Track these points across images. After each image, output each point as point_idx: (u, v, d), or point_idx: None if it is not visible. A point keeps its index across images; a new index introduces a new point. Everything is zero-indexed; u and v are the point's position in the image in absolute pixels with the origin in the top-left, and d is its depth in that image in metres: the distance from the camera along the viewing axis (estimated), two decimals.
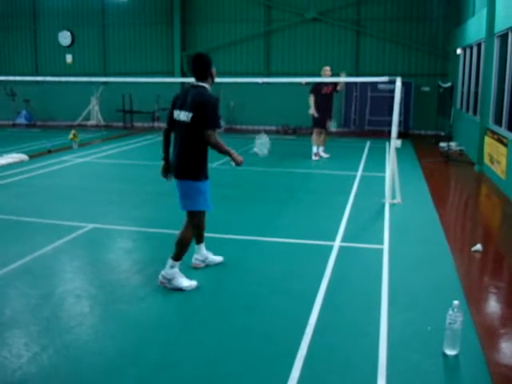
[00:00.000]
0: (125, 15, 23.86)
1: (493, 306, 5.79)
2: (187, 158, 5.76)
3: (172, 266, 5.86)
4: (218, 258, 6.69)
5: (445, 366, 4.36)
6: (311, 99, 14.61)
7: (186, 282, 5.87)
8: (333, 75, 14.70)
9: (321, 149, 15.03)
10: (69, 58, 24.77)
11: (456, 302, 4.44)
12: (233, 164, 6.02)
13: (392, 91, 9.71)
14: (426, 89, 21.39)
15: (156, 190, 10.59)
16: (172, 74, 23.31)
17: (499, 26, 12.32)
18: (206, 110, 5.59)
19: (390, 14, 21.63)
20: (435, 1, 21.08)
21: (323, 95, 14.49)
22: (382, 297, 5.58)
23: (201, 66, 5.86)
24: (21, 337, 4.73)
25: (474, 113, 15.36)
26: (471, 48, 16.19)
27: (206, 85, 5.89)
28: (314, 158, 14.67)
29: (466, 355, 4.45)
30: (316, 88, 14.49)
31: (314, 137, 14.83)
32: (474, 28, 15.45)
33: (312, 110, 14.60)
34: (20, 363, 4.27)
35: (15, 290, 5.81)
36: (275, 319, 5.12)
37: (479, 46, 14.82)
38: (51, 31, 24.64)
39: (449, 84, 16.80)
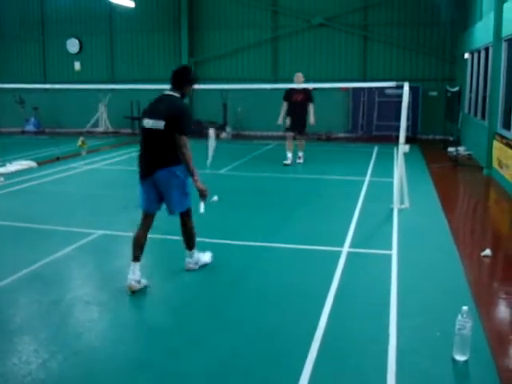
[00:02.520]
0: (132, 22, 23.95)
1: (502, 311, 5.76)
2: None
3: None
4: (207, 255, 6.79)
5: (454, 372, 4.34)
6: (283, 107, 14.68)
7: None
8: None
9: (300, 153, 15.00)
10: (77, 66, 24.89)
11: (465, 308, 4.42)
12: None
13: (400, 96, 9.70)
14: (434, 93, 21.34)
15: None
16: None
17: (507, 30, 12.30)
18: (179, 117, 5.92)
19: (397, 19, 21.62)
20: (442, 6, 21.06)
21: (294, 103, 14.48)
22: (391, 302, 5.56)
23: (179, 77, 6.14)
24: (30, 343, 4.75)
25: (483, 117, 15.31)
26: (479, 52, 16.16)
27: (177, 94, 6.11)
28: (284, 161, 14.59)
29: (475, 361, 4.42)
30: (286, 96, 14.56)
31: (287, 142, 14.89)
32: (482, 32, 15.42)
33: (280, 119, 14.74)
34: (29, 369, 4.28)
35: (25, 297, 5.84)
36: (285, 324, 5.12)
37: (487, 50, 14.79)
38: (59, 39, 24.77)
39: (456, 88, 16.78)
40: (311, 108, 14.57)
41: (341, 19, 22.13)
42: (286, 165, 14.38)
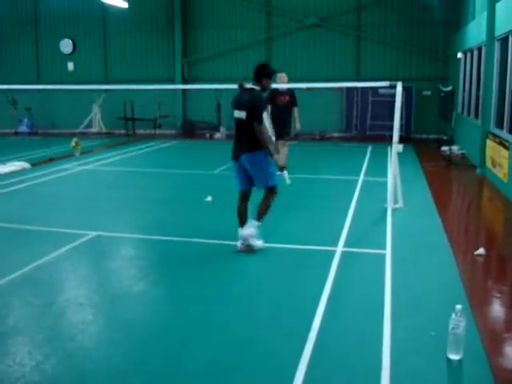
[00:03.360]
0: (126, 23, 23.95)
1: (496, 310, 5.77)
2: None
3: (251, 225, 7.16)
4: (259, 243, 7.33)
5: (448, 371, 4.35)
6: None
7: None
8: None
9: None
10: (70, 66, 24.87)
11: (459, 307, 4.43)
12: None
13: (393, 96, 9.71)
14: (427, 93, 21.41)
15: (159, 197, 10.62)
16: (173, 81, 23.37)
17: (499, 30, 12.33)
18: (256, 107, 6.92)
19: (390, 19, 21.68)
20: (435, 5, 21.12)
21: (279, 107, 12.67)
22: (385, 302, 5.56)
23: (257, 72, 7.17)
24: (24, 345, 4.73)
25: (476, 116, 15.35)
26: (472, 52, 16.20)
27: (257, 87, 7.13)
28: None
29: (469, 360, 4.43)
30: (270, 98, 12.35)
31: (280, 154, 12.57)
32: (475, 32, 15.46)
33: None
34: (23, 372, 4.26)
35: (18, 299, 5.82)
36: (278, 325, 5.11)
37: (480, 49, 14.83)
38: (53, 39, 24.76)
39: (450, 88, 16.82)
40: (296, 111, 12.98)
41: (334, 19, 22.17)
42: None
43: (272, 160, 7.09)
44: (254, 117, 6.84)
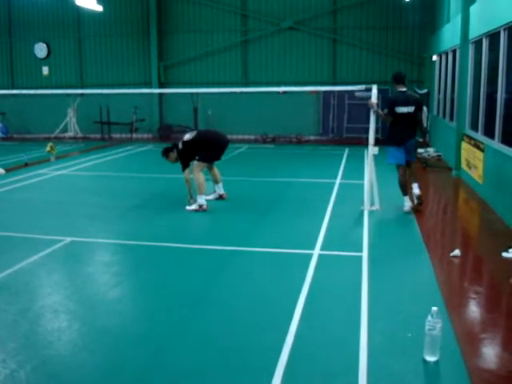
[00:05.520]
0: (101, 27, 23.82)
1: (472, 311, 5.80)
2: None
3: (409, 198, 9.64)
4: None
5: (425, 373, 4.36)
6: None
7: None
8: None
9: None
10: (45, 70, 24.65)
11: (435, 309, 4.44)
12: None
13: (369, 99, 9.76)
14: None
15: (134, 202, 10.55)
16: (150, 85, 23.29)
17: (473, 33, 12.45)
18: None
19: (365, 23, 21.82)
20: (410, 9, 21.27)
21: None
22: (362, 304, 5.56)
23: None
24: None
25: (451, 119, 15.48)
26: (446, 54, 16.35)
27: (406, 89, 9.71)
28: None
29: (446, 361, 4.45)
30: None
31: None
32: (449, 35, 15.60)
33: None
34: None
35: None
36: (255, 329, 5.09)
37: (454, 52, 14.97)
38: (27, 43, 24.54)
39: (425, 90, 16.98)
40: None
41: (310, 22, 22.25)
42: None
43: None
44: (420, 109, 9.78)
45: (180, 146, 10.10)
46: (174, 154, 10.20)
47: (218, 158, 10.46)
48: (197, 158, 10.03)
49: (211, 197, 10.48)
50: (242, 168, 15.08)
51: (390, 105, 9.59)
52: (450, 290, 6.16)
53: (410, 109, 9.36)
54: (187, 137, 10.16)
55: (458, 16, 13.87)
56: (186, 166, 10.03)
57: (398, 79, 9.60)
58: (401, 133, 9.49)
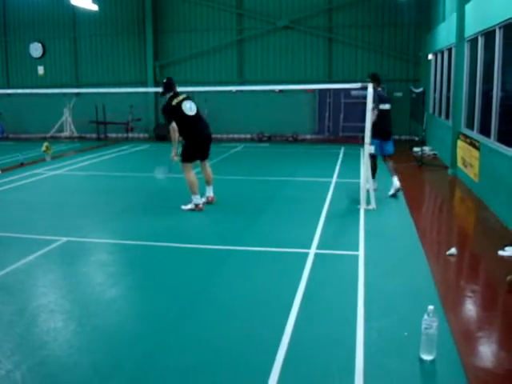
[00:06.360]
0: (96, 26, 23.76)
1: (469, 309, 5.80)
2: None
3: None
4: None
5: (421, 372, 4.36)
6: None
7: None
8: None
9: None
10: (40, 70, 24.59)
11: (431, 307, 4.44)
12: None
13: (365, 97, 9.75)
14: (399, 94, 21.54)
15: (130, 202, 10.54)
16: (145, 84, 23.25)
17: (469, 31, 12.46)
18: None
19: (361, 21, 21.82)
20: (406, 7, 21.27)
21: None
22: (358, 303, 5.56)
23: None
24: None
25: (447, 117, 15.50)
26: (442, 53, 16.36)
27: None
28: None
29: (442, 360, 4.45)
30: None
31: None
32: (445, 33, 15.61)
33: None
34: None
35: None
36: (251, 328, 5.08)
37: (450, 50, 14.97)
38: (22, 43, 24.47)
39: (421, 89, 16.97)
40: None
41: (306, 21, 22.24)
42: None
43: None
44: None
45: (170, 102, 9.87)
46: (167, 99, 10.01)
47: (201, 155, 9.92)
48: (180, 158, 9.65)
49: (201, 202, 9.81)
50: (237, 167, 15.08)
51: (376, 102, 10.27)
52: (447, 289, 6.16)
53: (389, 106, 10.85)
54: (186, 106, 9.97)
55: (453, 14, 13.88)
56: (169, 122, 9.62)
57: (379, 79, 10.79)
58: (387, 128, 10.83)
